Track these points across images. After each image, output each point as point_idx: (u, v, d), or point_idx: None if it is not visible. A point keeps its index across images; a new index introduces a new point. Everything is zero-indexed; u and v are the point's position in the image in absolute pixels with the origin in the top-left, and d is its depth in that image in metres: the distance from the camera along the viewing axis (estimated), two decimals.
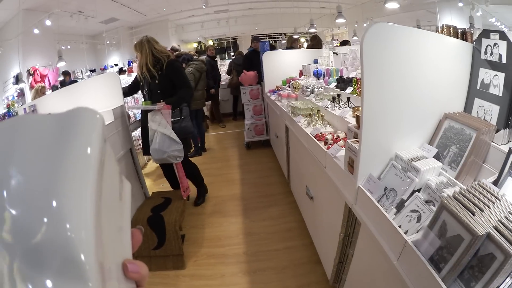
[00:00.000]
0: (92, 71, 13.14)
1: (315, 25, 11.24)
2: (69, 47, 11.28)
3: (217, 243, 3.58)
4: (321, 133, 2.77)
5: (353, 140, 1.89)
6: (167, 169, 4.32)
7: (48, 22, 8.72)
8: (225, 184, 4.94)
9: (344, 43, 9.12)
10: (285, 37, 16.12)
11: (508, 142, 1.68)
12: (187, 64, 6.12)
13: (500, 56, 1.74)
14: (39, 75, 9.71)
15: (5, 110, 6.84)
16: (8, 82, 9.45)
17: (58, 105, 4.73)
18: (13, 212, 0.42)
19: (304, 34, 15.03)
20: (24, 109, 5.09)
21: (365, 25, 9.00)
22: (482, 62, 1.87)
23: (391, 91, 1.66)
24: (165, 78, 3.79)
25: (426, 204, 1.38)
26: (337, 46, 5.54)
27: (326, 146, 2.42)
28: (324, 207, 2.67)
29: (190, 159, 4.58)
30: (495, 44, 1.76)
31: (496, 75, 1.77)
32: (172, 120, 3.73)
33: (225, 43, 18.27)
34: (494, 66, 1.79)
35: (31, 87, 9.40)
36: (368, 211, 1.61)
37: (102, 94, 4.15)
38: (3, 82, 9.47)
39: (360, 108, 2.36)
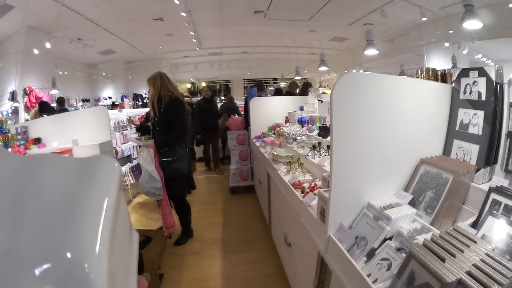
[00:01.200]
0: (86, 100, 13.17)
1: (299, 72, 11.44)
2: (66, 73, 11.32)
3: (195, 285, 3.48)
4: (299, 181, 2.76)
5: (326, 189, 1.86)
6: (182, 208, 4.35)
7: (48, 45, 8.70)
8: (207, 227, 4.83)
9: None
10: (273, 83, 16.36)
11: (490, 180, 1.67)
12: None
13: (480, 93, 1.76)
14: (34, 96, 9.69)
15: None
16: (4, 97, 9.48)
17: (48, 130, 4.78)
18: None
19: (298, 80, 15.41)
20: (16, 128, 5.08)
21: (354, 70, 9.15)
22: (461, 102, 1.90)
23: (362, 139, 1.66)
24: (164, 116, 3.83)
25: (397, 252, 1.35)
26: (323, 93, 5.57)
27: (303, 194, 2.39)
28: (300, 255, 2.62)
29: None
30: (474, 82, 1.80)
31: (475, 113, 1.80)
32: (164, 159, 3.81)
33: (218, 86, 18.48)
34: (474, 104, 1.81)
35: (26, 106, 9.41)
36: (338, 260, 1.57)
37: (91, 127, 4.18)
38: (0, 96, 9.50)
39: None
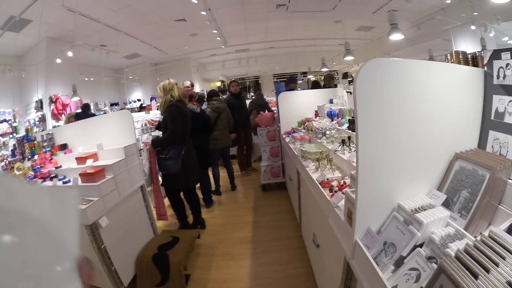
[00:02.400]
0: (115, 104, 13.49)
1: (326, 64, 11.22)
2: (92, 79, 11.57)
3: (222, 286, 3.47)
4: (327, 179, 2.65)
5: (353, 189, 1.72)
6: (172, 202, 4.74)
7: (70, 54, 8.90)
8: (237, 227, 4.82)
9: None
10: (302, 77, 16.15)
11: None
12: (208, 103, 6.23)
13: None
14: (61, 103, 10.01)
15: (24, 134, 6.93)
16: (30, 106, 9.84)
17: (74, 136, 4.94)
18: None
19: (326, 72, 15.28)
20: (42, 136, 5.25)
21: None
22: (495, 88, 1.74)
23: (391, 132, 1.52)
24: (164, 119, 4.39)
25: (427, 261, 1.23)
26: (352, 84, 5.37)
27: (331, 193, 2.28)
28: (327, 257, 2.52)
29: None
30: (507, 65, 1.63)
31: (511, 100, 1.63)
32: (159, 156, 4.38)
33: (247, 83, 18.40)
34: (509, 90, 1.64)
35: (53, 114, 9.73)
36: (363, 267, 1.47)
37: (115, 130, 4.26)
38: (25, 105, 9.88)
39: None
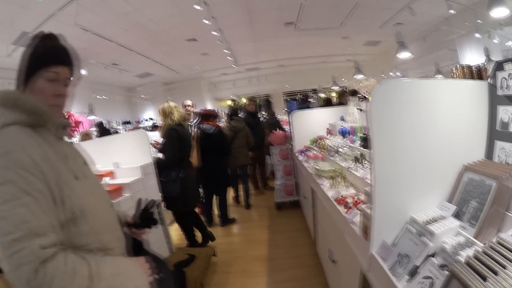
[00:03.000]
0: (127, 122, 13.58)
1: (336, 81, 11.29)
2: (104, 97, 11.67)
3: None
4: (342, 196, 2.74)
5: (368, 205, 1.84)
6: (179, 222, 4.81)
7: (83, 71, 9.09)
8: (253, 244, 4.89)
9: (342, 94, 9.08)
10: (312, 94, 16.23)
11: None
12: (228, 121, 6.51)
13: None
14: (73, 120, 10.09)
15: None
16: None
17: (90, 154, 4.88)
18: None
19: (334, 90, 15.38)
20: None
21: (391, 73, 8.91)
22: (499, 98, 1.82)
23: (404, 149, 1.63)
24: (164, 142, 4.47)
25: (440, 269, 1.31)
26: (362, 101, 5.47)
27: (346, 209, 2.37)
28: (344, 272, 2.59)
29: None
30: (509, 75, 1.71)
31: None
32: (160, 179, 4.37)
33: (258, 101, 18.53)
34: None
35: None
36: (380, 279, 1.55)
37: (132, 149, 4.36)
38: None
39: None
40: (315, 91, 16.72)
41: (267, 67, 14.89)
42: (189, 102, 5.88)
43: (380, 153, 1.56)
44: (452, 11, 7.92)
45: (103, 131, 8.25)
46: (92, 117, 7.84)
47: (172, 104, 4.58)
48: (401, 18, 8.97)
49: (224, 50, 10.26)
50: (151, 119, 14.64)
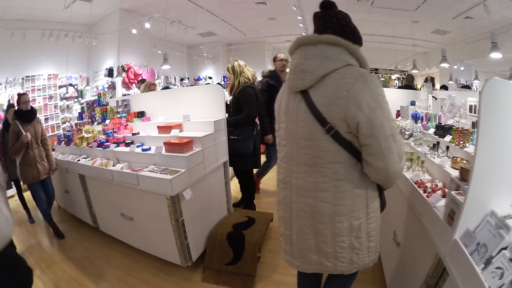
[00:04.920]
0: (182, 79, 14.22)
1: (416, 65, 11.31)
2: (165, 52, 12.03)
3: (290, 272, 3.59)
4: (420, 180, 2.89)
5: (457, 192, 2.03)
6: (245, 182, 5.07)
7: (147, 25, 9.60)
8: None
9: (444, 87, 9.36)
10: (374, 73, 16.19)
11: None
12: None
13: None
14: (133, 73, 10.62)
15: (95, 98, 7.42)
16: (99, 73, 10.62)
17: (153, 105, 5.24)
18: None
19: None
20: (117, 101, 5.68)
21: (455, 67, 8.89)
22: None
23: (499, 147, 1.80)
24: (237, 100, 4.56)
25: (510, 262, 1.52)
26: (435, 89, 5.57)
27: (425, 194, 2.53)
28: (409, 255, 2.76)
29: None
30: None
31: None
32: (231, 137, 4.58)
33: None
34: None
35: (124, 82, 10.40)
36: (459, 264, 1.75)
37: (205, 104, 4.47)
38: (94, 72, 10.67)
39: (461, 159, 2.65)
40: (376, 70, 16.63)
41: None
42: (283, 56, 5.67)
43: (483, 149, 1.73)
44: None
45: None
46: (166, 66, 8.10)
47: (242, 62, 4.74)
48: (474, 13, 9.19)
49: (298, 17, 10.37)
50: (210, 77, 15.34)
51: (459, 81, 12.41)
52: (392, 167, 1.79)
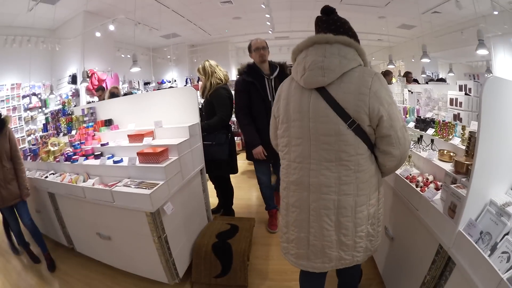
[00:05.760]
0: (147, 83, 14.28)
1: (374, 58, 11.59)
2: (128, 56, 12.03)
3: (283, 277, 3.66)
4: (410, 174, 2.96)
5: (456, 185, 2.15)
6: (221, 188, 5.10)
7: (111, 27, 9.60)
8: None
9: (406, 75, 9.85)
10: None
11: None
12: None
13: None
14: (96, 78, 10.50)
15: (59, 107, 7.37)
16: (62, 80, 10.39)
17: (121, 112, 5.06)
18: None
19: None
20: (82, 109, 5.48)
21: (422, 60, 9.31)
22: None
23: (497, 139, 1.94)
24: (209, 102, 4.49)
25: None
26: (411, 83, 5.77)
27: (418, 188, 2.63)
28: (404, 248, 2.86)
29: None
30: None
31: None
32: (204, 143, 4.42)
33: (288, 71, 18.63)
34: None
35: (88, 89, 10.26)
36: (466, 253, 1.85)
37: (177, 108, 4.35)
38: (57, 80, 10.42)
39: (447, 151, 2.84)
40: None
41: (298, 37, 15.00)
42: (258, 43, 4.50)
43: (483, 145, 1.85)
44: (496, 12, 8.34)
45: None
46: (135, 69, 7.98)
47: (213, 62, 4.66)
48: (443, 8, 9.77)
49: (266, 15, 10.69)
50: (175, 80, 15.40)
51: (426, 73, 12.78)
52: (406, 153, 2.08)
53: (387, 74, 9.44)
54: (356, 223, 2.09)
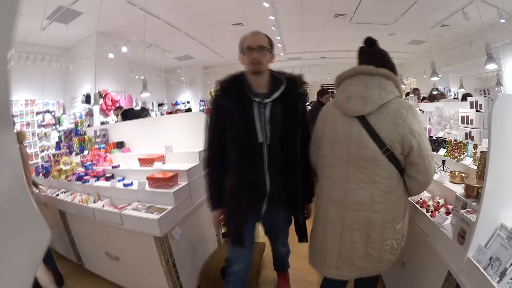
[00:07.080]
0: (160, 105, 14.33)
1: (402, 80, 11.63)
2: (142, 77, 12.13)
3: None
4: (421, 198, 2.96)
5: (465, 210, 2.16)
6: None
7: (124, 49, 9.73)
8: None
9: (431, 98, 9.51)
10: None
11: None
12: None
13: None
14: (110, 99, 10.59)
15: (72, 126, 7.48)
16: (76, 99, 10.47)
17: (132, 135, 5.09)
18: None
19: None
20: (95, 131, 5.51)
21: (432, 78, 9.30)
22: None
23: (507, 162, 1.94)
24: None
25: None
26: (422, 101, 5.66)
27: (429, 213, 2.65)
28: (417, 275, 2.82)
29: None
30: None
31: None
32: None
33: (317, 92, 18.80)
34: None
35: (101, 109, 10.32)
36: (475, 281, 1.84)
37: (187, 133, 4.36)
38: (71, 98, 10.52)
39: (459, 173, 2.88)
40: None
41: (309, 58, 15.77)
42: (249, 41, 2.91)
43: (493, 167, 1.87)
44: (503, 20, 8.33)
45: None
46: (145, 94, 8.02)
47: None
48: (450, 20, 9.81)
49: (277, 37, 10.81)
50: (188, 102, 15.62)
51: (437, 89, 12.73)
52: (430, 179, 2.26)
53: (415, 90, 10.03)
54: (383, 238, 2.27)
